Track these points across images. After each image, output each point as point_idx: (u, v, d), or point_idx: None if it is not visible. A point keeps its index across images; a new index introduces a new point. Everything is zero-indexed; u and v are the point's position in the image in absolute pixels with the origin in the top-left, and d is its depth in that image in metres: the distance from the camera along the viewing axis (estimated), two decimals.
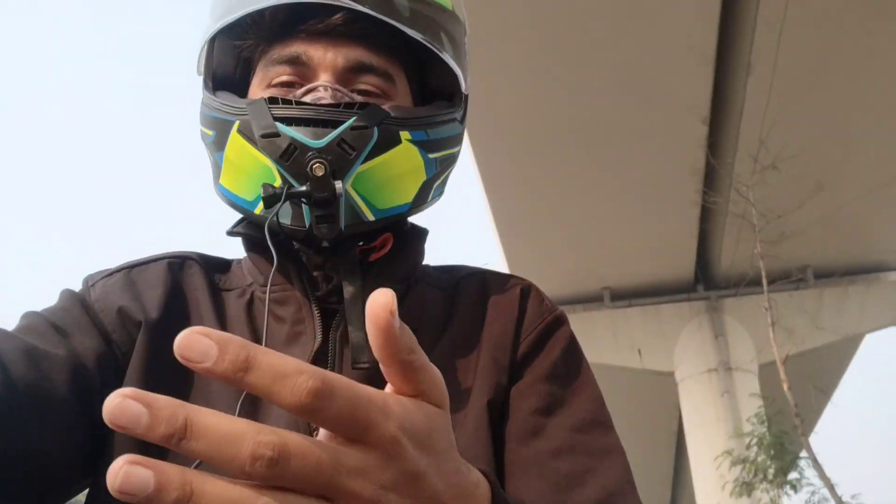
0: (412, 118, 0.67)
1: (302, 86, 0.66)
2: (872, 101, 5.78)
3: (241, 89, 0.71)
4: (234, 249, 0.75)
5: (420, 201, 0.69)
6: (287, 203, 0.62)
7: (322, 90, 0.64)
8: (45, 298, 0.67)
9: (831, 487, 5.87)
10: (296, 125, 0.61)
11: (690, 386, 8.63)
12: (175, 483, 0.26)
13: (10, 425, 0.53)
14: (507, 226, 7.45)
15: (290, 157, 0.60)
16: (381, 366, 0.32)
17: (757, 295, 8.11)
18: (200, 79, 0.73)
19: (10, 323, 0.63)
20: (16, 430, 0.54)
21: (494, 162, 6.39)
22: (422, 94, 0.75)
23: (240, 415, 0.58)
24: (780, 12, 4.77)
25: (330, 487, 0.29)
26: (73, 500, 0.64)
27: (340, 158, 0.60)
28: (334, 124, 0.61)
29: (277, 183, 0.61)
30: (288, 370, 0.28)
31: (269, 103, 0.63)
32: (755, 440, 6.23)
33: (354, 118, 0.61)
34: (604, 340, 8.60)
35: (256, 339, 0.65)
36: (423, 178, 0.68)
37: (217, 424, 0.27)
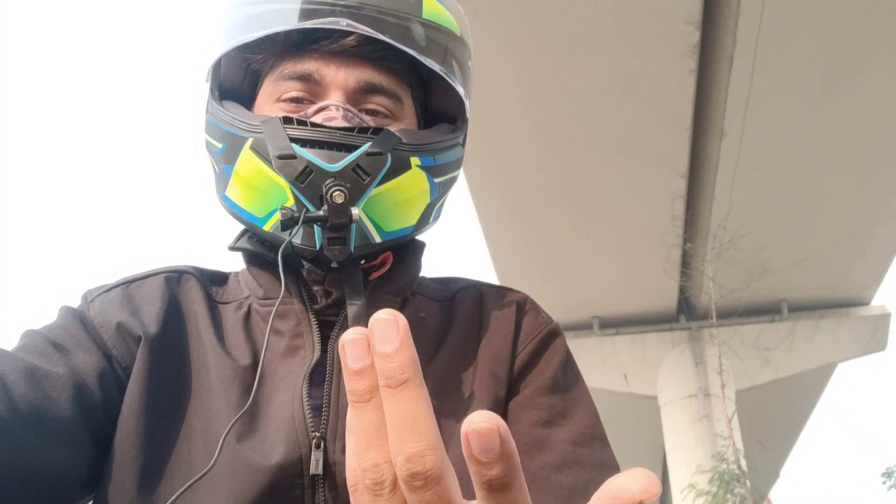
0: (422, 144, 0.67)
1: (312, 103, 0.67)
2: (836, 159, 6.42)
3: (246, 99, 0.71)
4: (231, 262, 0.76)
5: (422, 223, 0.70)
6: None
7: (334, 109, 0.65)
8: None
9: None
10: (311, 147, 0.61)
11: (672, 410, 9.15)
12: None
13: (13, 445, 0.53)
14: (505, 263, 8.07)
15: (306, 180, 0.60)
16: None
17: (736, 326, 8.77)
18: (194, 86, 0.72)
19: (12, 340, 0.63)
20: (19, 449, 0.53)
21: (494, 210, 7.02)
22: (424, 113, 0.75)
23: (239, 426, 0.58)
24: (747, 87, 5.43)
25: None
26: None
27: (355, 184, 0.61)
28: (349, 148, 0.61)
29: (290, 203, 0.62)
30: None
31: (285, 123, 0.63)
32: (716, 476, 6.66)
33: (370, 144, 0.62)
34: (593, 365, 9.17)
35: (254, 352, 0.65)
36: (428, 200, 0.69)
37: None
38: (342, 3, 0.64)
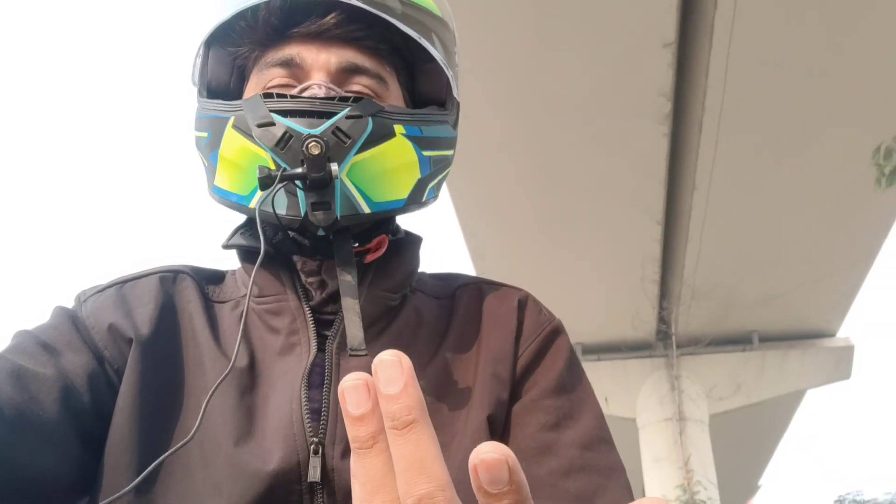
0: (405, 112, 0.67)
1: (297, 88, 0.66)
2: (796, 213, 7.09)
3: (235, 98, 0.70)
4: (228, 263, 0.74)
5: (415, 199, 0.68)
6: (282, 192, 0.61)
7: (316, 88, 0.65)
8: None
9: None
10: (291, 116, 0.61)
11: (650, 432, 9.77)
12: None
13: (1, 449, 0.52)
14: None
15: (286, 145, 0.60)
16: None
17: (709, 355, 9.42)
18: (191, 93, 0.71)
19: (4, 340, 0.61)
20: (5, 453, 0.53)
21: (484, 245, 7.66)
22: (413, 101, 0.74)
23: (236, 430, 0.59)
24: (714, 148, 6.11)
25: None
26: None
27: (336, 146, 0.60)
28: (329, 116, 0.61)
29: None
30: None
31: (265, 98, 0.63)
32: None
33: (349, 108, 0.61)
34: None
35: (251, 351, 0.64)
36: (418, 175, 0.67)
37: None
38: None
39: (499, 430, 0.64)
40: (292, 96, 0.63)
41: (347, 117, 0.61)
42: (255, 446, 0.59)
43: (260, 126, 0.61)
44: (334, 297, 0.66)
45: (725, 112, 5.73)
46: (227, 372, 0.57)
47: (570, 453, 0.62)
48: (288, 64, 0.66)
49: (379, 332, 0.67)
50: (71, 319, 0.65)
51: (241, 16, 0.67)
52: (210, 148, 0.66)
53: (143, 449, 0.59)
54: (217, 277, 0.74)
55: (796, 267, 7.85)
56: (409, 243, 0.74)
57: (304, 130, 0.59)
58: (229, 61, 0.71)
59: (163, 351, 0.64)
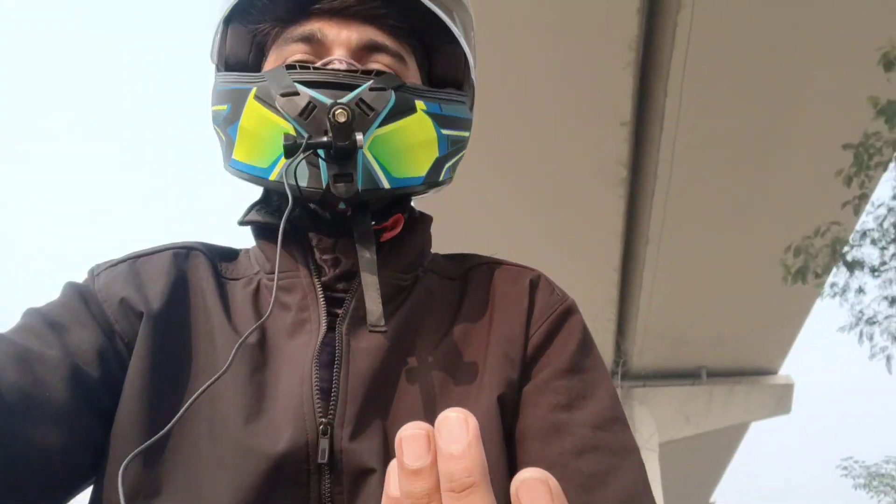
0: (426, 89, 0.68)
1: (318, 63, 0.65)
2: (739, 270, 7.93)
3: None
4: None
5: (432, 177, 0.67)
6: (303, 164, 0.61)
7: (337, 63, 0.65)
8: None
9: None
10: (315, 87, 0.61)
11: None
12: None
13: (5, 435, 0.52)
14: None
15: (310, 115, 0.59)
16: None
17: (662, 388, 10.20)
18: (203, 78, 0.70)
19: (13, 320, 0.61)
20: (12, 439, 0.52)
21: None
22: (430, 82, 0.74)
23: (245, 407, 0.58)
24: (663, 212, 6.93)
25: None
26: None
27: (360, 117, 0.60)
28: (352, 88, 0.60)
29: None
30: None
31: (288, 69, 0.63)
32: None
33: (372, 80, 0.62)
34: None
35: (262, 327, 0.64)
36: (436, 153, 0.67)
37: None
38: None
39: (509, 410, 0.62)
40: (315, 68, 0.63)
41: (371, 89, 0.61)
42: (265, 425, 0.58)
43: (284, 95, 0.60)
44: (347, 275, 0.66)
45: (674, 181, 6.55)
46: (226, 369, 0.55)
47: (583, 433, 0.60)
48: (309, 40, 0.66)
49: (390, 313, 0.66)
50: (81, 295, 0.65)
51: None
52: (229, 121, 0.66)
53: (151, 423, 0.58)
54: (230, 255, 0.74)
55: (740, 314, 8.70)
56: (421, 223, 0.73)
57: (329, 101, 0.59)
58: (248, 38, 0.71)
59: (174, 326, 0.64)
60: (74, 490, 0.59)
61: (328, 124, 0.58)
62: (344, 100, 0.60)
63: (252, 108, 0.63)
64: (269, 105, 0.62)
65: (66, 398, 0.57)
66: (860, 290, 4.84)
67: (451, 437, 0.27)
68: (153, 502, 0.56)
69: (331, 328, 0.63)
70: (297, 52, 0.67)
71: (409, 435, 0.28)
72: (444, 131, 0.67)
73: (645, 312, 8.51)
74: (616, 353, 9.68)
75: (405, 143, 0.64)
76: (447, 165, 0.70)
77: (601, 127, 6.07)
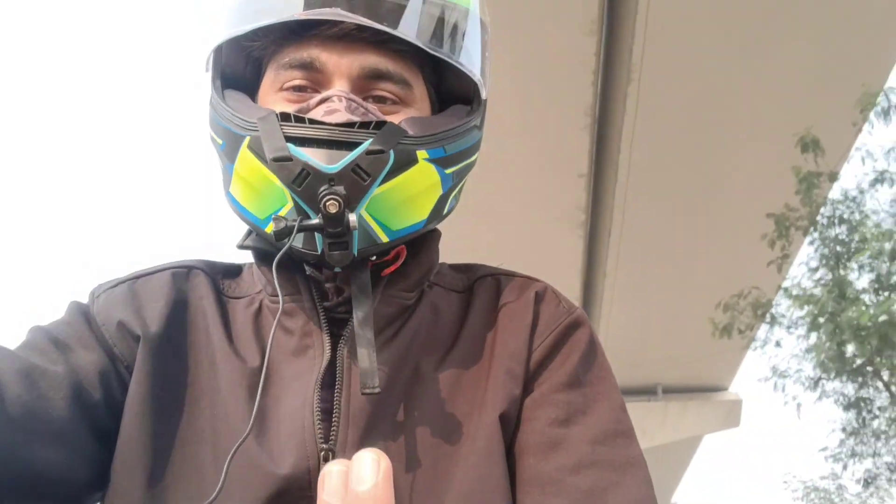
0: (429, 136, 0.62)
1: (315, 91, 0.63)
2: (689, 301, 8.63)
3: (250, 86, 0.68)
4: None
5: (435, 216, 0.65)
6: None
7: (336, 101, 0.61)
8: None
9: None
10: (308, 146, 0.58)
11: None
12: None
13: (6, 448, 0.52)
14: None
15: (303, 183, 0.56)
16: None
17: None
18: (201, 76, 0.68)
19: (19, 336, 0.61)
20: (13, 451, 0.52)
21: None
22: (439, 95, 0.71)
23: (250, 427, 0.54)
24: (618, 251, 7.61)
25: None
26: None
27: (354, 185, 0.57)
28: (349, 146, 0.57)
29: (289, 206, 0.58)
30: None
31: (282, 121, 0.59)
32: None
33: (370, 142, 0.58)
34: None
35: (263, 352, 0.62)
36: (440, 192, 0.64)
37: None
38: None
39: (511, 427, 0.60)
40: (311, 121, 0.59)
41: (368, 153, 0.57)
42: (267, 449, 0.57)
43: (276, 160, 0.57)
44: (348, 301, 0.63)
45: (627, 223, 7.23)
46: (247, 432, 0.52)
47: (580, 449, 0.58)
48: (308, 67, 0.63)
49: (394, 334, 0.64)
50: (84, 315, 0.64)
51: None
52: (226, 157, 0.63)
53: (154, 447, 0.58)
54: (233, 271, 0.72)
55: (691, 338, 9.41)
56: (428, 241, 0.70)
57: (322, 167, 0.56)
58: (244, 53, 0.68)
59: (173, 348, 0.63)
60: None
61: (319, 204, 0.56)
62: (337, 167, 0.57)
63: (246, 157, 0.60)
64: (263, 160, 0.59)
65: (69, 416, 0.56)
66: (777, 344, 5.51)
67: (361, 477, 0.31)
68: None
69: (335, 349, 0.62)
70: (295, 79, 0.64)
71: (330, 471, 0.32)
72: (448, 170, 0.64)
73: (603, 337, 9.19)
74: None
75: (404, 196, 0.61)
76: (451, 197, 0.67)
77: (563, 178, 6.73)
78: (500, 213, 7.16)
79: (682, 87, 5.58)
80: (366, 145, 0.58)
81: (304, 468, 0.56)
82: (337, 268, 0.62)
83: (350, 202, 0.57)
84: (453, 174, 0.65)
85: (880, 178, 4.82)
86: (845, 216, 5.07)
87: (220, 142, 0.65)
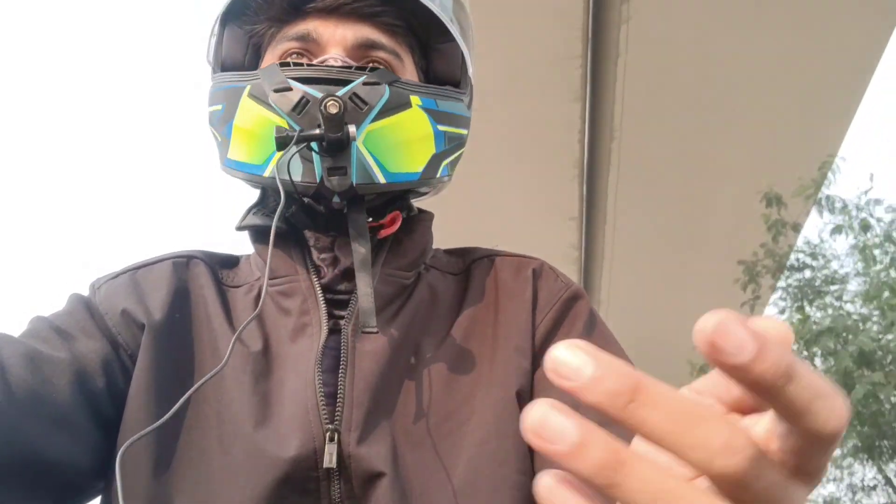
0: (421, 85, 0.67)
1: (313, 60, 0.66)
2: (672, 328, 9.18)
3: None
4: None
5: (429, 174, 0.66)
6: (297, 159, 0.60)
7: (332, 60, 0.64)
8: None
9: None
10: (308, 83, 0.60)
11: None
12: (601, 444, 0.21)
13: (9, 429, 0.52)
14: None
15: (303, 110, 0.59)
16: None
17: None
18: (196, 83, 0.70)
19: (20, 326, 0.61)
20: (15, 434, 0.52)
21: None
22: (427, 81, 0.73)
23: (253, 415, 0.57)
24: (609, 285, 8.18)
25: None
26: None
27: (353, 111, 0.59)
28: (346, 83, 0.60)
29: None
30: (827, 391, 0.21)
31: (281, 66, 0.62)
32: None
33: (366, 76, 0.61)
34: None
35: (264, 334, 0.63)
36: (433, 149, 0.66)
37: (677, 398, 0.22)
38: None
39: (527, 402, 0.56)
40: (309, 64, 0.63)
41: (364, 84, 0.61)
42: (272, 432, 0.58)
43: (277, 91, 0.60)
44: (347, 275, 0.65)
45: (616, 261, 7.79)
46: (221, 366, 0.53)
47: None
48: (304, 38, 0.66)
49: (395, 313, 0.66)
50: (85, 305, 0.65)
51: None
52: (224, 120, 0.65)
53: (157, 434, 0.57)
54: (231, 262, 0.73)
55: (669, 379, 9.90)
56: (421, 220, 0.72)
57: (321, 95, 0.59)
58: (244, 39, 0.71)
59: (176, 336, 0.64)
60: (78, 496, 0.58)
61: (320, 117, 0.57)
62: (337, 94, 0.59)
63: (246, 105, 0.62)
64: (263, 102, 0.61)
65: (72, 402, 0.56)
66: None
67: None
68: None
69: (335, 331, 0.63)
70: (292, 49, 0.67)
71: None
72: (441, 127, 0.66)
73: None
74: None
75: (400, 139, 0.63)
76: (445, 162, 0.68)
77: (556, 222, 7.32)
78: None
79: (660, 144, 6.17)
80: (363, 78, 0.61)
81: (309, 448, 0.56)
82: (335, 198, 0.62)
83: (348, 120, 0.59)
84: (445, 136, 0.67)
85: (838, 230, 5.36)
86: (808, 262, 5.60)
87: (218, 108, 0.66)
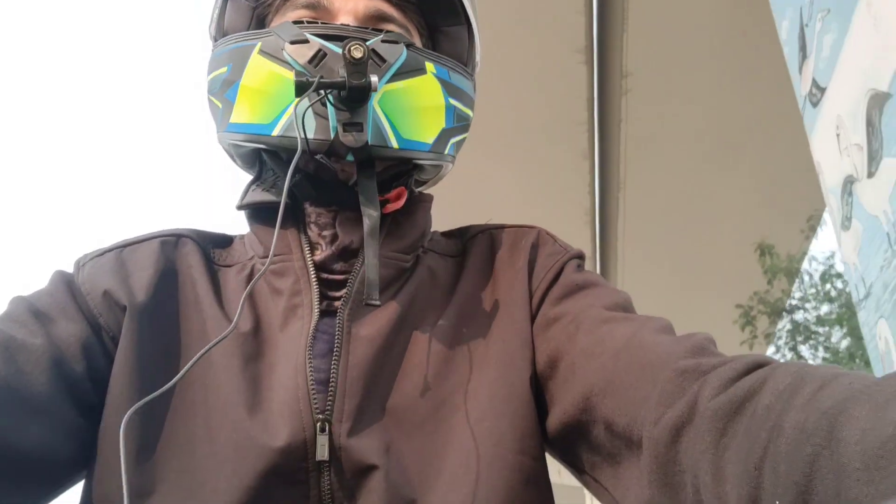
0: (435, 53, 0.66)
1: None
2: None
3: None
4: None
5: (439, 147, 0.65)
6: (310, 114, 0.58)
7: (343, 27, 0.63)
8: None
9: None
10: (324, 40, 0.59)
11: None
12: None
13: None
14: None
15: (320, 62, 0.57)
16: None
17: None
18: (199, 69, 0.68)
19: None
20: None
21: None
22: None
23: (242, 401, 0.55)
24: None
25: None
26: None
27: (372, 67, 0.58)
28: (363, 41, 0.58)
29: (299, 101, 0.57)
30: None
31: (296, 23, 0.61)
32: None
33: (384, 34, 0.61)
34: None
35: (255, 315, 0.62)
36: (443, 123, 0.65)
37: None
38: None
39: (533, 368, 0.60)
40: (324, 23, 0.62)
41: (383, 41, 0.60)
42: (262, 419, 0.55)
43: (293, 43, 0.58)
44: (345, 254, 0.63)
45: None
46: (227, 332, 0.52)
47: (596, 315, 0.58)
48: (314, 7, 0.65)
49: (392, 297, 0.64)
50: (67, 285, 0.62)
51: None
52: (228, 83, 0.63)
53: (141, 420, 0.55)
54: (224, 241, 0.71)
55: None
56: (421, 202, 0.71)
57: (339, 50, 0.57)
58: (248, 11, 0.69)
59: (161, 318, 0.61)
60: (58, 487, 0.56)
61: (343, 63, 0.56)
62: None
63: (256, 63, 0.60)
64: (275, 58, 0.60)
65: (49, 390, 0.54)
66: None
67: None
68: (148, 502, 0.53)
69: (328, 313, 0.61)
70: (302, 17, 0.65)
71: None
72: (452, 101, 0.66)
73: None
74: None
75: (414, 104, 0.63)
76: (452, 141, 0.67)
77: (567, 220, 7.81)
78: None
79: (664, 194, 6.66)
80: (381, 35, 0.61)
81: (299, 439, 0.54)
82: (349, 156, 0.60)
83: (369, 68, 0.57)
84: (455, 111, 0.66)
85: (826, 277, 5.82)
86: (801, 306, 6.06)
87: (222, 70, 0.64)
